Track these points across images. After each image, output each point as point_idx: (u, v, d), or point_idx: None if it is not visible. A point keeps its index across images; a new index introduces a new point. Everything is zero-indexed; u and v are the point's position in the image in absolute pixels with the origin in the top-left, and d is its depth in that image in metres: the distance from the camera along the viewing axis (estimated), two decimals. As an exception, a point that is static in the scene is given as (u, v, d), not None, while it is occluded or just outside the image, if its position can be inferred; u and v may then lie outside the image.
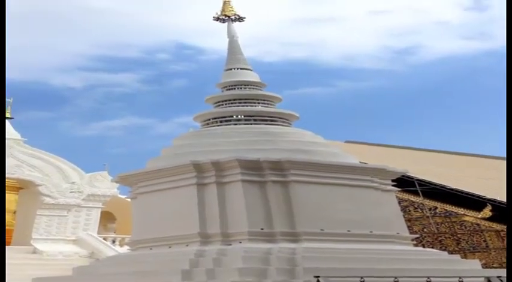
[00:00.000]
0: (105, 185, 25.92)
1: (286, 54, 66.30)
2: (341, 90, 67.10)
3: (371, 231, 13.04)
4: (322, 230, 12.52)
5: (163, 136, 63.14)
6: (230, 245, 12.24)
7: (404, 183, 20.35)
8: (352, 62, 68.15)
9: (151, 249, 13.22)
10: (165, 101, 66.56)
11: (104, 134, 65.90)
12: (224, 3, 16.18)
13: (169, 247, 12.88)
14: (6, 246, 23.29)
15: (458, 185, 25.24)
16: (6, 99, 28.49)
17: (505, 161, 17.04)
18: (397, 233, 13.58)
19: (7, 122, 26.88)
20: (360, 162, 14.57)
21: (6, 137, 25.56)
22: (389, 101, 62.42)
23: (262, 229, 12.31)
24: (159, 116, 67.50)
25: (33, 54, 64.52)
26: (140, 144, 63.85)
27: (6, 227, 25.70)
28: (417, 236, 17.98)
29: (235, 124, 14.66)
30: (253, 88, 15.33)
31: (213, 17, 16.11)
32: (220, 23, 16.10)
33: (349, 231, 12.77)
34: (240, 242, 12.21)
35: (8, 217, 26.57)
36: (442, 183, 25.19)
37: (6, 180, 26.03)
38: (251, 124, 14.52)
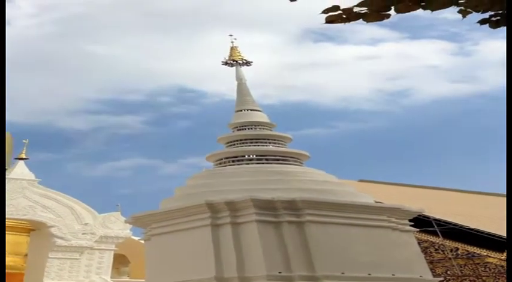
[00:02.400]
0: (118, 226, 25.47)
1: (284, 97, 68.66)
2: (342, 131, 68.72)
3: (393, 275, 12.72)
4: (342, 273, 12.23)
5: (170, 176, 64.37)
6: None
7: (421, 223, 20.00)
8: (349, 104, 70.75)
9: None
10: (169, 142, 68.25)
11: (112, 175, 67.39)
12: (231, 48, 16.57)
13: None
14: None
15: (479, 225, 24.68)
16: (21, 141, 28.57)
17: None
18: (420, 276, 13.27)
19: (22, 163, 26.70)
20: (375, 202, 14.35)
21: (21, 177, 25.53)
22: (390, 141, 64.03)
23: (280, 273, 12.05)
24: (165, 157, 68.25)
25: (41, 99, 67.21)
26: (148, 184, 64.94)
27: (18, 271, 25.48)
28: (441, 279, 17.59)
29: (248, 163, 14.69)
30: (263, 128, 15.48)
31: (222, 62, 16.46)
32: (228, 67, 16.43)
33: (370, 274, 12.47)
34: None
35: (19, 260, 26.08)
36: (461, 223, 24.64)
37: (19, 222, 25.85)
38: (263, 163, 14.53)
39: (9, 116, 34.87)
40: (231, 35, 16.82)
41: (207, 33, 66.50)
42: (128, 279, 26.41)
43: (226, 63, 16.43)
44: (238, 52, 16.56)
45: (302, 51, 69.46)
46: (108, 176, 65.41)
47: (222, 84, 58.56)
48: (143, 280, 14.29)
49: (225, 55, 16.48)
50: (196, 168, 59.90)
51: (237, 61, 16.40)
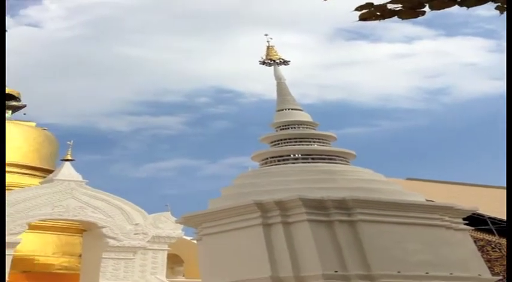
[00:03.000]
0: (169, 226, 25.36)
1: (322, 97, 68.59)
2: (383, 129, 67.88)
3: (451, 273, 12.55)
4: (398, 272, 12.11)
5: (214, 177, 64.99)
6: None
7: (475, 221, 19.65)
8: (388, 103, 70.15)
9: None
10: (210, 143, 68.60)
11: (156, 176, 68.40)
12: (268, 48, 16.51)
13: None
14: None
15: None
16: (66, 142, 28.92)
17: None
18: (479, 275, 13.09)
19: (69, 164, 26.96)
20: (426, 200, 14.17)
21: (69, 178, 25.66)
22: (433, 139, 63.20)
23: (336, 272, 12.04)
24: (207, 157, 69.08)
25: (80, 101, 68.10)
26: (192, 185, 65.71)
27: (73, 272, 25.73)
28: (500, 278, 17.20)
29: (294, 163, 14.65)
30: (306, 127, 15.43)
31: (259, 61, 16.44)
32: (266, 67, 16.40)
33: (427, 273, 12.31)
34: None
35: (74, 261, 26.42)
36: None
37: (70, 223, 26.11)
38: (309, 162, 14.47)
39: (50, 118, 35.74)
40: (266, 35, 16.72)
41: (240, 33, 66.96)
42: (183, 279, 26.44)
43: (263, 63, 16.42)
44: (275, 51, 16.51)
45: (335, 50, 69.13)
46: (153, 177, 66.41)
47: (259, 84, 58.99)
48: (198, 280, 14.33)
49: (261, 55, 16.45)
50: (238, 168, 60.22)
51: (274, 60, 16.37)
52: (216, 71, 66.68)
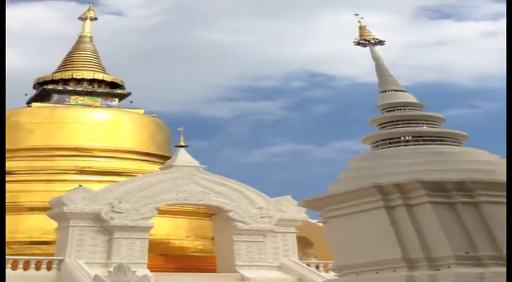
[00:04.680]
0: (292, 209, 25.79)
1: (417, 78, 66.43)
2: (487, 111, 66.14)
3: None
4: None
5: (323, 161, 65.41)
6: (438, 270, 12.46)
7: None
8: (486, 83, 67.85)
9: (358, 275, 13.67)
10: (313, 127, 69.17)
11: (266, 161, 69.43)
12: (360, 28, 16.20)
13: (377, 273, 13.28)
14: (213, 274, 25.12)
15: None
16: (177, 128, 30.63)
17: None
18: None
19: (183, 150, 28.34)
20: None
21: (187, 164, 27.05)
22: None
23: (467, 253, 12.34)
24: (313, 142, 69.11)
25: (179, 89, 69.66)
26: (303, 169, 66.12)
27: (208, 254, 27.22)
28: None
29: (405, 145, 14.76)
30: (413, 109, 15.37)
31: (354, 42, 16.17)
32: (361, 47, 16.13)
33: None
34: (449, 267, 12.38)
35: (208, 244, 28.10)
36: None
37: (196, 207, 27.74)
38: (421, 144, 14.54)
39: (152, 106, 37.68)
40: (356, 15, 16.32)
41: (325, 15, 66.28)
42: (315, 260, 27.03)
43: (358, 43, 16.09)
44: (368, 31, 16.16)
45: (420, 30, 67.87)
46: (263, 162, 67.42)
47: (351, 66, 58.63)
48: (330, 261, 15.09)
49: (352, 35, 16.09)
50: (345, 152, 61.02)
51: (369, 41, 16.05)
52: (306, 54, 66.41)
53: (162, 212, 26.10)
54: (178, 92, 68.87)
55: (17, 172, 32.22)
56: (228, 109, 72.47)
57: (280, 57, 68.56)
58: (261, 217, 25.70)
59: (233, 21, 71.43)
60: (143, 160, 33.76)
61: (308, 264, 25.76)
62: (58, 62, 41.38)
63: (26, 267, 24.05)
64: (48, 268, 24.05)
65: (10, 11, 74.84)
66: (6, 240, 27.80)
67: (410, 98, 15.63)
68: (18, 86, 54.60)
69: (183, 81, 69.03)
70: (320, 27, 67.55)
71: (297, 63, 70.02)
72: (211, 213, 27.53)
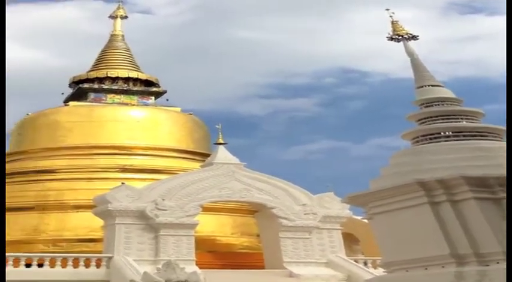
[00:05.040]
0: (335, 206, 25.91)
1: (452, 73, 65.99)
2: None
3: None
4: None
5: (361, 158, 65.73)
6: (488, 266, 12.65)
7: None
8: None
9: (407, 271, 13.87)
10: (349, 124, 68.98)
11: (304, 158, 69.72)
12: (392, 23, 16.23)
13: (426, 269, 13.47)
14: (262, 270, 25.31)
15: None
16: (214, 126, 31.00)
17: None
18: None
19: (223, 147, 28.61)
20: None
21: (228, 162, 27.24)
22: None
23: None
24: (351, 139, 69.78)
25: (211, 86, 69.75)
26: (342, 166, 66.86)
27: (255, 251, 27.46)
28: None
29: (446, 140, 14.87)
30: (451, 104, 15.44)
31: (387, 37, 16.22)
32: (394, 43, 16.16)
33: None
34: (498, 262, 12.55)
35: (254, 240, 28.42)
36: None
37: (239, 204, 27.88)
38: (461, 140, 14.63)
39: (187, 103, 38.10)
40: (387, 10, 16.32)
41: (354, 11, 66.01)
42: (363, 257, 27.13)
43: (391, 39, 16.13)
44: (401, 26, 16.18)
45: (451, 25, 67.54)
46: (301, 159, 67.77)
47: (384, 62, 58.29)
48: (377, 257, 15.18)
49: (381, 32, 16.16)
50: (384, 148, 60.94)
51: (402, 36, 16.09)
52: (338, 51, 66.51)
53: (205, 209, 26.38)
54: (211, 90, 69.35)
55: (58, 170, 32.96)
56: (262, 106, 73.21)
57: (312, 54, 69.01)
58: (305, 214, 25.86)
59: (262, 19, 71.81)
60: (183, 158, 34.21)
61: (356, 261, 25.83)
62: (90, 60, 42.11)
63: (75, 264, 24.57)
64: (98, 265, 24.55)
65: (40, 11, 76.07)
66: (54, 237, 28.89)
67: (448, 93, 15.73)
68: (54, 85, 55.59)
69: (215, 79, 69.60)
70: (351, 24, 67.70)
71: (329, 60, 70.28)
72: (254, 210, 27.74)
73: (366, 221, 17.52)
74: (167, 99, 39.47)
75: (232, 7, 71.29)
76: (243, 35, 69.07)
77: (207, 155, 32.11)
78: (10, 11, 79.48)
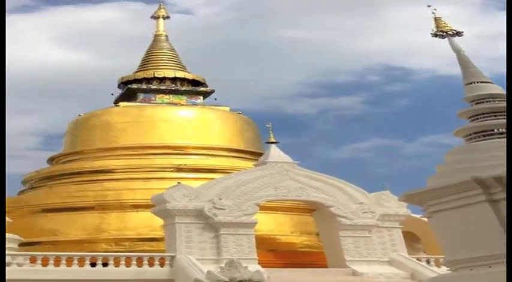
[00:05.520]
0: (392, 204, 25.90)
1: (497, 70, 65.65)
2: None
3: None
4: None
5: (414, 155, 65.66)
6: None
7: None
8: None
9: (471, 269, 14.16)
10: (397, 121, 69.16)
11: (356, 156, 69.68)
12: (435, 19, 16.33)
13: (490, 267, 13.74)
14: (325, 269, 25.46)
15: None
16: (264, 125, 31.39)
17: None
18: None
19: (275, 146, 28.86)
20: None
21: (281, 160, 27.55)
22: None
23: None
24: (401, 136, 69.58)
25: (259, 86, 70.51)
26: (395, 163, 66.90)
27: (315, 250, 27.69)
28: None
29: (499, 137, 15.02)
30: (502, 100, 15.53)
31: (431, 34, 16.31)
32: (439, 39, 16.23)
33: None
34: None
35: (314, 239, 28.75)
36: None
37: (296, 203, 28.16)
38: None
39: (235, 104, 38.63)
40: (429, 6, 16.40)
41: (392, 8, 65.64)
42: (425, 255, 26.90)
43: (435, 35, 16.19)
44: (445, 23, 16.24)
45: (490, 21, 66.82)
46: (354, 157, 68.18)
47: (429, 59, 57.85)
48: (440, 256, 15.10)
49: (422, 28, 16.56)
50: (436, 145, 60.69)
51: (446, 32, 16.14)
52: (379, 48, 66.58)
53: (262, 208, 26.70)
54: (257, 89, 70.06)
55: (115, 170, 33.84)
56: (310, 105, 73.61)
57: (355, 52, 69.21)
58: (363, 212, 26.00)
59: (303, 18, 72.02)
60: (235, 157, 34.72)
61: (418, 259, 25.73)
62: (133, 61, 43.00)
63: (139, 263, 25.18)
64: (161, 264, 25.21)
65: (81, 14, 77.26)
66: (116, 236, 29.76)
67: (497, 89, 15.86)
68: (98, 86, 56.83)
69: (260, 78, 70.31)
70: (392, 21, 67.45)
71: (372, 58, 70.24)
72: (310, 208, 27.99)
73: (425, 219, 17.57)
74: (215, 99, 40.11)
75: (271, 7, 71.75)
76: (285, 34, 69.57)
77: (258, 154, 32.52)
78: (51, 14, 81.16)
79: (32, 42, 76.16)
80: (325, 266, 25.96)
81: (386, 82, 73.44)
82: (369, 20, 70.21)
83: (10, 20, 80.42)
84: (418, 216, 25.96)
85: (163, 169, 33.23)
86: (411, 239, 28.12)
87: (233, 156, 34.72)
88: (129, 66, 43.02)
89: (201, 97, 40.14)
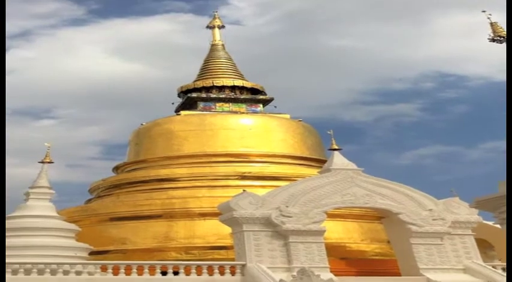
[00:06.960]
0: (462, 210, 25.42)
1: None
2: None
3: None
4: None
5: (476, 162, 66.18)
6: None
7: None
8: None
9: None
10: (456, 128, 69.17)
11: (418, 163, 70.30)
12: (491, 24, 16.36)
13: None
14: (399, 277, 24.97)
15: None
16: (326, 132, 31.26)
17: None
18: None
19: (338, 153, 28.63)
20: None
21: (346, 167, 27.22)
22: None
23: None
24: (461, 143, 69.41)
25: (315, 93, 71.09)
26: (458, 170, 66.86)
27: (387, 258, 27.30)
28: None
29: None
30: None
31: (488, 39, 16.26)
32: (497, 44, 16.14)
33: None
34: None
35: (385, 247, 28.38)
36: None
37: (364, 210, 27.91)
38: None
39: (292, 112, 38.55)
40: (484, 11, 16.37)
41: (438, 15, 65.46)
42: (500, 263, 26.30)
43: (493, 40, 16.17)
44: (501, 27, 16.25)
45: None
46: (415, 164, 69.01)
47: (482, 65, 57.52)
48: None
49: (470, 35, 16.77)
50: (497, 152, 60.19)
51: (503, 37, 16.14)
52: (431, 55, 66.89)
53: (329, 216, 26.51)
54: (313, 97, 70.70)
55: (180, 179, 34.10)
56: (366, 112, 74.22)
57: (407, 60, 70.17)
58: (433, 219, 25.52)
59: (352, 27, 72.93)
60: (298, 164, 34.67)
61: (494, 267, 24.95)
62: (188, 70, 43.56)
63: (210, 272, 25.15)
64: (232, 273, 25.22)
65: (133, 26, 78.49)
66: (185, 245, 29.89)
67: None
68: (157, 95, 57.61)
69: (316, 86, 70.92)
70: (441, 28, 67.13)
71: (425, 65, 70.84)
72: (379, 216, 27.67)
73: (497, 226, 17.58)
74: (275, 107, 40.16)
75: (317, 17, 72.33)
76: (335, 43, 70.51)
77: (321, 161, 32.36)
78: (103, 27, 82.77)
79: (88, 54, 78.06)
80: (398, 274, 25.57)
81: (440, 89, 73.91)
82: (419, 28, 70.55)
83: (63, 33, 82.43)
84: (490, 223, 25.59)
85: (227, 177, 33.38)
86: (484, 246, 27.54)
87: (297, 164, 34.63)
88: (184, 75, 43.89)
89: (261, 105, 40.31)
